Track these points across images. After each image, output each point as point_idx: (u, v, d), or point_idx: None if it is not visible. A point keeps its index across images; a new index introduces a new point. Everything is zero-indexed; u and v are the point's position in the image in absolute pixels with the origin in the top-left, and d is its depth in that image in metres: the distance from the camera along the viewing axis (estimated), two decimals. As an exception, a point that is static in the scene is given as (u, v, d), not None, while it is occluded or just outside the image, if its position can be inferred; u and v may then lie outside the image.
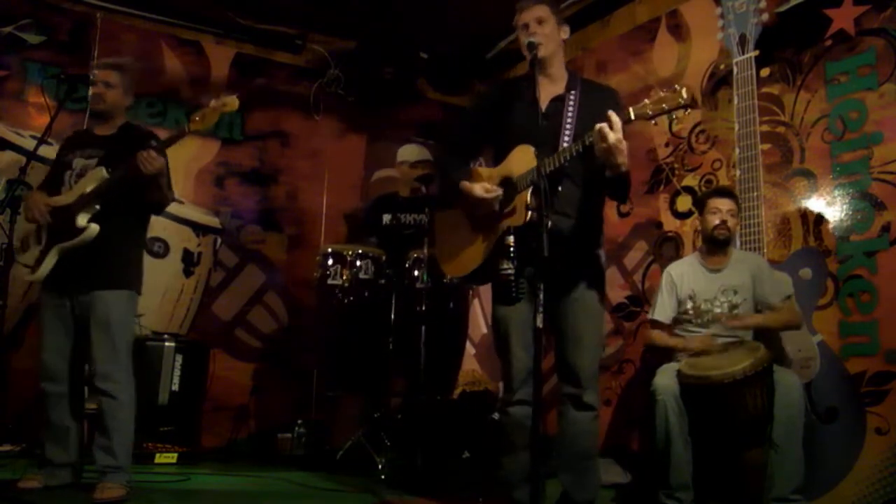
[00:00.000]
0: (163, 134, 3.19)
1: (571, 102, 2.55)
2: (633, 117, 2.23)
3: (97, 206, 2.96)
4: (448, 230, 2.78)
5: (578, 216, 2.55)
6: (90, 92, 3.14)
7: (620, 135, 2.24)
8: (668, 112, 2.19)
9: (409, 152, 4.60)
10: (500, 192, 2.52)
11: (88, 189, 2.95)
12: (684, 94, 2.15)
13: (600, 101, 2.49)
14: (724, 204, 3.30)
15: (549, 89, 2.59)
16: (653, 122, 2.27)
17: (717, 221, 3.29)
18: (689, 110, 2.17)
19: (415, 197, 4.48)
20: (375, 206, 4.66)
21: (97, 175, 2.97)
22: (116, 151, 3.02)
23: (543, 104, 2.55)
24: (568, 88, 2.59)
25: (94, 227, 2.93)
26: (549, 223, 2.20)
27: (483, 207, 2.55)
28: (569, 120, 2.52)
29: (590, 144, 2.30)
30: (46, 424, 3.01)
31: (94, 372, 2.92)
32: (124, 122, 3.21)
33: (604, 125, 2.24)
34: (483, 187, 2.54)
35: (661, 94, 2.18)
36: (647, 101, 2.22)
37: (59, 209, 2.99)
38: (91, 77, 3.06)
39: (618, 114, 2.25)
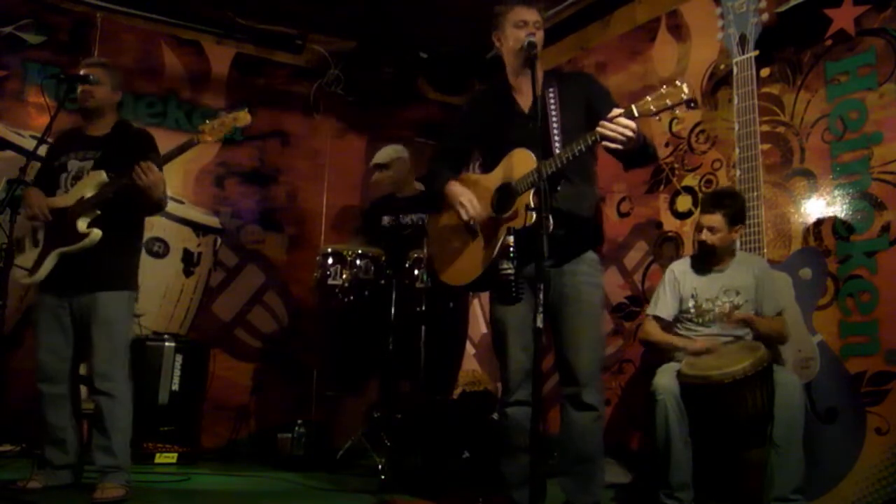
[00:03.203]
0: (163, 135, 3.18)
1: (552, 98, 2.56)
2: (636, 115, 2.22)
3: (98, 211, 2.93)
4: (444, 237, 2.76)
5: (577, 215, 2.55)
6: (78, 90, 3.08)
7: (631, 125, 2.22)
8: (672, 108, 2.17)
9: (379, 155, 4.55)
10: (479, 217, 2.55)
11: (88, 194, 2.93)
12: (685, 90, 2.14)
13: (578, 89, 2.58)
14: (706, 220, 3.23)
15: (530, 91, 2.58)
16: (657, 118, 2.25)
17: (699, 239, 3.27)
18: (692, 105, 2.17)
19: (415, 197, 4.47)
20: (374, 209, 4.63)
21: (97, 179, 2.94)
22: (114, 153, 3.00)
23: (526, 106, 2.58)
24: (545, 86, 2.60)
25: (97, 233, 2.91)
26: (550, 225, 2.20)
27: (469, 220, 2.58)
28: (554, 117, 2.53)
29: (592, 143, 2.29)
30: (43, 426, 3.00)
31: (94, 372, 2.92)
32: (117, 121, 3.18)
33: (604, 129, 2.24)
34: (466, 206, 2.55)
35: (663, 90, 2.17)
36: (648, 97, 2.21)
37: (57, 211, 2.96)
38: (90, 78, 3.04)
39: (609, 102, 2.33)
